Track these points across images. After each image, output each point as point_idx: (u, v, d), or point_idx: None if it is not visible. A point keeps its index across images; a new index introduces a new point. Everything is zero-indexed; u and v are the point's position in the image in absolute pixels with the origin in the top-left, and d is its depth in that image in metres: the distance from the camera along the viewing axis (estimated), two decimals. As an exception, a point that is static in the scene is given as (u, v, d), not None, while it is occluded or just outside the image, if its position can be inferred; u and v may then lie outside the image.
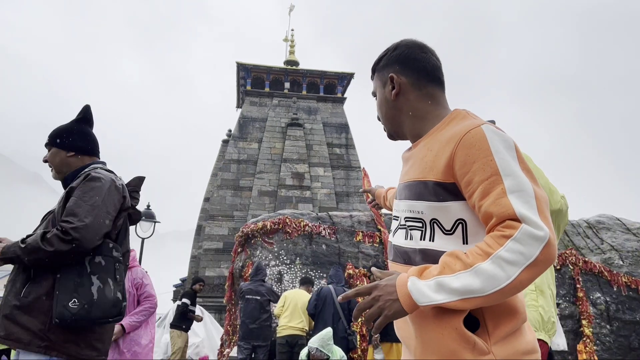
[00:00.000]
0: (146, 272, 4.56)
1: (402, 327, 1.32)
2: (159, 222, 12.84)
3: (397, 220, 1.40)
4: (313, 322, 6.69)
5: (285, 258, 8.39)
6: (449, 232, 1.22)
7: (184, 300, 8.68)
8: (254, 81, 21.09)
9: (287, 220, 8.67)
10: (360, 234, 8.57)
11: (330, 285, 6.71)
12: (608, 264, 8.12)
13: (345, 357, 5.86)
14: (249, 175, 18.54)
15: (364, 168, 5.87)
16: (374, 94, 1.55)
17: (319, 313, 6.44)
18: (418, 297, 1.12)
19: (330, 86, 21.67)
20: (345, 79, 21.60)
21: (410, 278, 1.16)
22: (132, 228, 12.25)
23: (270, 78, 21.16)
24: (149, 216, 12.70)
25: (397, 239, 1.37)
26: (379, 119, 1.55)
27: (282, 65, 22.18)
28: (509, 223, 1.09)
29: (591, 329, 7.45)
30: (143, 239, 12.27)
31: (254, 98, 20.69)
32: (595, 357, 7.26)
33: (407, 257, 1.31)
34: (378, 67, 1.52)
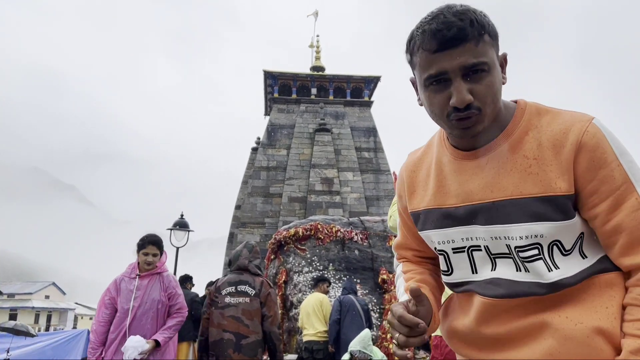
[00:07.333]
0: (176, 279, 4.23)
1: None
2: (192, 231, 13.00)
3: (479, 250, 1.14)
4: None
5: (318, 264, 8.39)
6: (568, 252, 1.06)
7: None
8: (281, 88, 21.25)
9: (319, 226, 8.67)
10: (393, 238, 8.51)
11: (350, 296, 6.77)
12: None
13: (386, 358, 5.86)
14: (279, 182, 18.64)
15: (394, 172, 5.82)
16: (481, 65, 1.03)
17: (342, 321, 6.52)
18: None
19: (357, 90, 21.64)
20: (371, 82, 21.54)
21: None
22: (166, 237, 12.36)
23: (297, 84, 21.28)
24: (183, 225, 12.87)
25: (502, 271, 1.11)
26: (469, 106, 1.03)
27: (308, 71, 22.28)
28: None
29: None
30: (177, 248, 12.45)
31: (281, 105, 20.83)
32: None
33: (526, 292, 1.08)
34: (490, 31, 1.06)
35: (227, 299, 4.10)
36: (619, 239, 1.02)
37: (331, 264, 8.40)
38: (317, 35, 23.71)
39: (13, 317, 41.94)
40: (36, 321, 47.80)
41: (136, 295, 3.81)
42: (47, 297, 54.14)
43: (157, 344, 3.68)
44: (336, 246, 8.54)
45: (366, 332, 5.46)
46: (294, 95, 21.11)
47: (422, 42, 1.04)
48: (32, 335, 10.01)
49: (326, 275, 8.11)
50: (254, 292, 4.14)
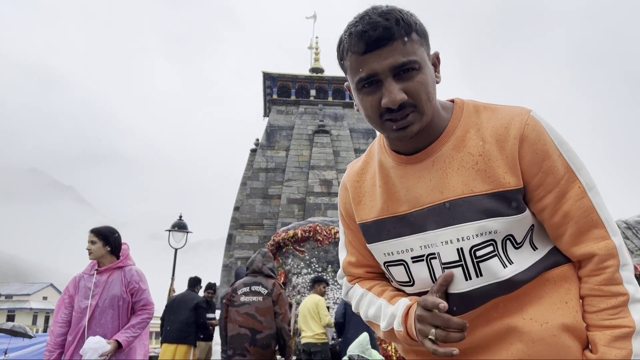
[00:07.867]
0: (141, 273, 3.81)
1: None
2: (191, 232, 12.98)
3: (435, 258, 1.08)
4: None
5: (317, 266, 8.40)
6: (519, 245, 1.05)
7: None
8: (280, 90, 21.26)
9: (318, 227, 8.68)
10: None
11: None
12: (650, 265, 7.86)
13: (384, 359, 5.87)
14: (278, 183, 18.65)
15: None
16: (411, 64, 1.00)
17: (348, 323, 6.49)
18: None
19: (356, 92, 21.69)
20: (370, 84, 21.58)
21: None
22: (165, 238, 12.28)
23: (296, 86, 21.30)
24: (181, 227, 12.84)
25: (452, 285, 1.06)
26: (403, 106, 1.00)
27: (307, 73, 22.31)
28: (604, 247, 1.02)
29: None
30: (176, 250, 12.42)
31: (280, 106, 20.85)
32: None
33: (482, 299, 1.04)
34: (418, 29, 1.04)
35: (243, 298, 4.56)
36: (567, 229, 1.04)
37: (330, 266, 8.40)
38: (317, 37, 23.77)
39: (11, 318, 41.87)
40: (34, 322, 47.72)
41: (94, 292, 3.50)
42: (45, 298, 54.02)
43: (119, 344, 3.36)
44: (335, 248, 8.54)
45: (364, 336, 5.46)
46: (293, 97, 21.13)
47: (350, 45, 1.02)
48: (30, 337, 9.99)
49: (325, 277, 8.10)
50: (266, 291, 4.55)
